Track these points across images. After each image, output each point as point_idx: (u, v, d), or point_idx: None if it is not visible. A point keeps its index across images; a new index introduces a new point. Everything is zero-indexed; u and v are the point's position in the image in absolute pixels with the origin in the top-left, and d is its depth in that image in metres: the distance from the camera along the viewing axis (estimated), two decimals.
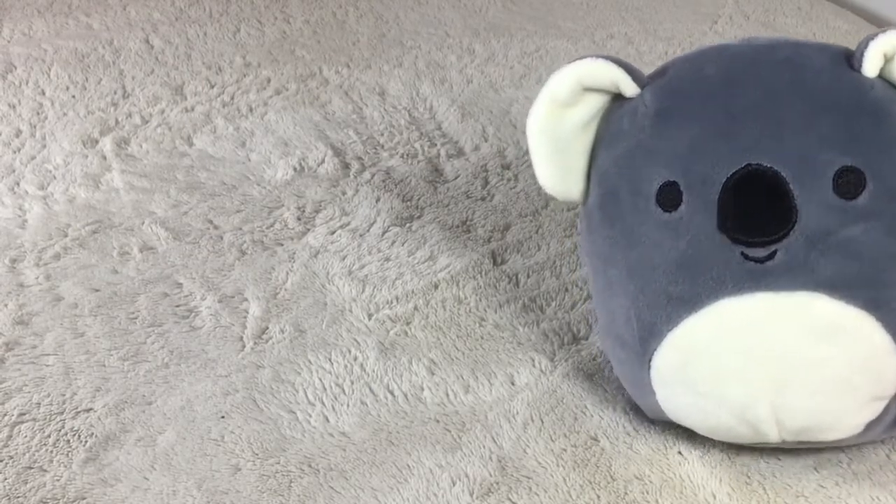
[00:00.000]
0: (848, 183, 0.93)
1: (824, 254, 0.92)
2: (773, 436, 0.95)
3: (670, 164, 0.96)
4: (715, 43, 1.07)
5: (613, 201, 0.99)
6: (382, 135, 1.55)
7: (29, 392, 1.09)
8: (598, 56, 1.01)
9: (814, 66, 0.97)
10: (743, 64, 0.99)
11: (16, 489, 0.99)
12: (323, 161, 1.48)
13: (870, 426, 0.96)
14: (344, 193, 1.41)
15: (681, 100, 0.99)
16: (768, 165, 0.93)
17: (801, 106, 0.95)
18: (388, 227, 1.34)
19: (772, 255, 0.92)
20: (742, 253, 0.92)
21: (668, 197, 0.96)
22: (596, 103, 1.03)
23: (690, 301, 0.94)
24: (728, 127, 0.95)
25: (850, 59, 0.97)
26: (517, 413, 1.05)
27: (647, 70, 1.83)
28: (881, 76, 0.96)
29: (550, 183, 1.05)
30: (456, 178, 1.44)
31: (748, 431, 0.96)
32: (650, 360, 0.97)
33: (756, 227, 0.92)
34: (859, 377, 0.93)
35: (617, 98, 1.03)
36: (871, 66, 0.96)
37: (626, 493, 0.97)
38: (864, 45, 0.96)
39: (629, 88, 1.01)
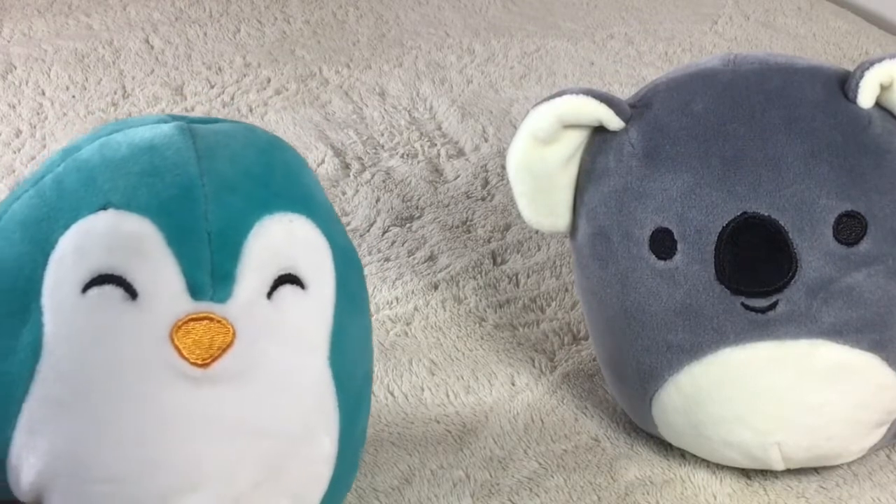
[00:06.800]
0: (848, 229, 0.91)
1: (827, 302, 0.90)
2: (778, 467, 0.95)
3: (663, 210, 0.93)
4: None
5: (604, 242, 0.97)
6: (382, 135, 1.55)
7: None
8: (578, 91, 0.96)
9: (808, 100, 0.94)
10: (732, 99, 0.94)
11: None
12: (323, 161, 1.47)
13: (872, 448, 0.97)
14: (344, 193, 1.41)
15: (670, 141, 0.95)
16: (766, 214, 0.91)
17: (798, 147, 0.92)
18: (388, 227, 1.34)
19: (773, 306, 0.90)
20: (742, 303, 0.91)
21: (662, 244, 0.93)
22: (577, 138, 0.99)
23: (692, 350, 0.93)
24: (722, 173, 0.92)
25: (844, 86, 0.94)
26: (518, 414, 1.05)
27: (648, 70, 1.83)
28: (877, 103, 0.94)
29: (535, 218, 1.02)
30: (456, 178, 1.44)
31: (753, 464, 0.96)
32: (651, 399, 0.96)
33: (755, 277, 0.90)
34: (865, 413, 0.93)
35: (599, 128, 0.98)
36: (866, 98, 0.93)
37: (627, 495, 0.97)
38: (858, 75, 0.93)
39: (613, 123, 0.97)
